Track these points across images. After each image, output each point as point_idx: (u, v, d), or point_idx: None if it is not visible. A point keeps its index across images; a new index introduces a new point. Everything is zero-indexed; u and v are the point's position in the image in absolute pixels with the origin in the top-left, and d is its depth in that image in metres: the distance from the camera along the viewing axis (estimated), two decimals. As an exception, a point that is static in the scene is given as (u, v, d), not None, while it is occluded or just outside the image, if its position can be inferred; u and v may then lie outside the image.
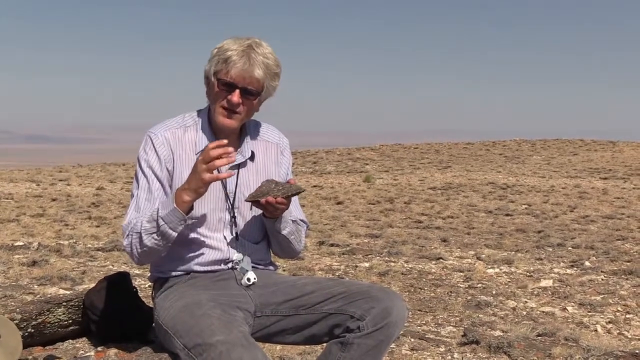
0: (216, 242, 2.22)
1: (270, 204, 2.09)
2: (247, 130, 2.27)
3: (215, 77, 2.11)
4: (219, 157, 1.95)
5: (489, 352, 3.60)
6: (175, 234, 2.05)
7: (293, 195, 2.12)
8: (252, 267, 2.25)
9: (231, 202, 2.22)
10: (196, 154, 2.18)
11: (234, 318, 1.99)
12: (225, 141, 1.99)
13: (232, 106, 2.11)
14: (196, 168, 1.98)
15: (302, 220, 2.36)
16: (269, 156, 2.32)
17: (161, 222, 2.01)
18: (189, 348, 1.90)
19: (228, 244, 2.23)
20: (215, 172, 1.99)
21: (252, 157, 2.26)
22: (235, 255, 2.23)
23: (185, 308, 2.04)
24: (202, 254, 2.22)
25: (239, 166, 2.24)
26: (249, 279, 2.20)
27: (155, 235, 2.04)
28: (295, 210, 2.31)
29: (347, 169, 25.58)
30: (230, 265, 2.24)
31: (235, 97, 2.10)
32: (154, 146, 2.17)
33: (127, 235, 2.10)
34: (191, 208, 2.05)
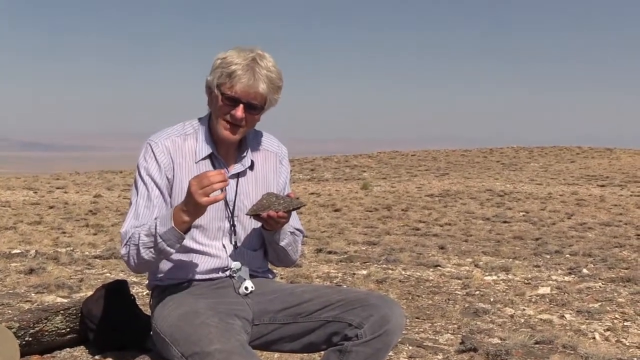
0: (215, 250, 2.22)
1: (271, 218, 2.10)
2: (247, 139, 2.27)
3: (218, 89, 2.11)
4: (217, 183, 1.93)
5: (487, 359, 3.60)
6: (173, 251, 2.06)
7: (294, 209, 2.13)
8: (250, 275, 2.26)
9: (231, 210, 2.23)
10: (196, 163, 2.19)
11: (231, 326, 1.99)
12: (226, 174, 2.00)
13: (236, 121, 2.12)
14: (191, 192, 1.94)
15: (298, 230, 2.37)
16: (268, 165, 2.33)
17: (159, 240, 2.01)
18: (186, 356, 1.90)
19: (227, 252, 2.23)
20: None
21: (251, 167, 2.27)
22: (234, 264, 2.24)
23: (183, 316, 2.04)
24: (201, 262, 2.22)
25: (238, 175, 2.24)
26: (246, 288, 2.21)
27: (152, 250, 2.04)
28: (292, 219, 2.32)
29: (345, 176, 25.59)
30: (228, 273, 2.24)
31: (240, 112, 2.10)
32: (154, 154, 2.17)
33: (125, 244, 2.10)
34: (190, 227, 2.06)
